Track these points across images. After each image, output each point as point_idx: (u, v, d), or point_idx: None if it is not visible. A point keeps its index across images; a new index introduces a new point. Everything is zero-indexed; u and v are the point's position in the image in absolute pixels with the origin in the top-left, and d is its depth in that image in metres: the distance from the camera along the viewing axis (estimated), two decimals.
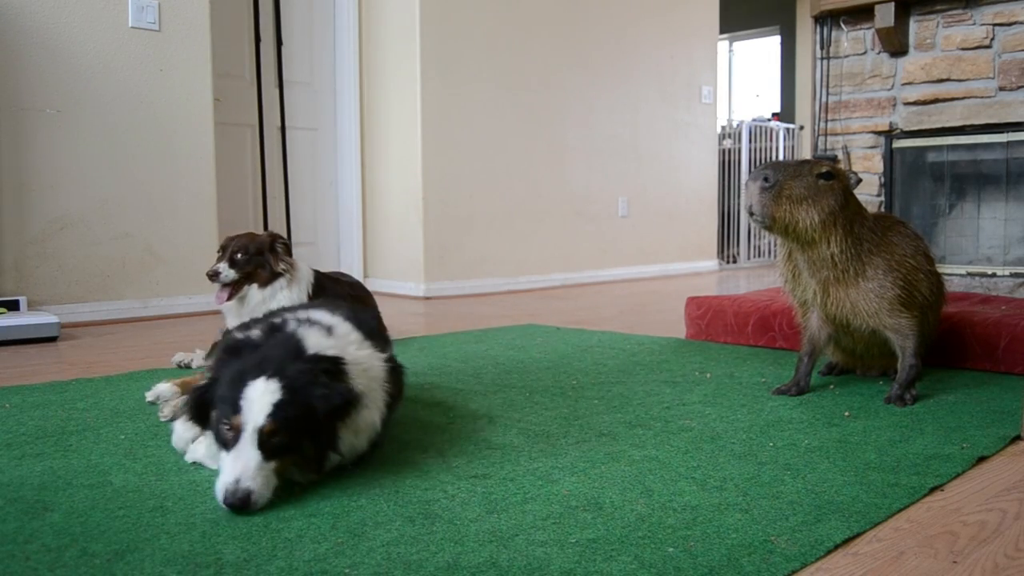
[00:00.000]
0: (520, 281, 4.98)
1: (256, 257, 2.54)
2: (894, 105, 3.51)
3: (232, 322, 2.59)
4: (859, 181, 1.91)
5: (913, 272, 1.92)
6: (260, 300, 2.55)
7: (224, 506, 1.22)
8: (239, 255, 2.52)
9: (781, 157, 7.22)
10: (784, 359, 2.49)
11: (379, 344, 1.59)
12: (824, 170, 1.83)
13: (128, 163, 3.62)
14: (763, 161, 7.05)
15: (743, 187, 1.85)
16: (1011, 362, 2.24)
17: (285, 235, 4.52)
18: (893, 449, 1.56)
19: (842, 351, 2.16)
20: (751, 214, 1.83)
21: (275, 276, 2.56)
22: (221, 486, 1.23)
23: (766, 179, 1.80)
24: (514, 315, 3.71)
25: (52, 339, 3.02)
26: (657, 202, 5.86)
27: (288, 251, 2.64)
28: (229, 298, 2.52)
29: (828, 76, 3.68)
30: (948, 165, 3.45)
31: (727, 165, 6.94)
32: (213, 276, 2.49)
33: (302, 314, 1.55)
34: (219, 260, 2.53)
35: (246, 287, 2.55)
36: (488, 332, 3.13)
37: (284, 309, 1.75)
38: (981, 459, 1.51)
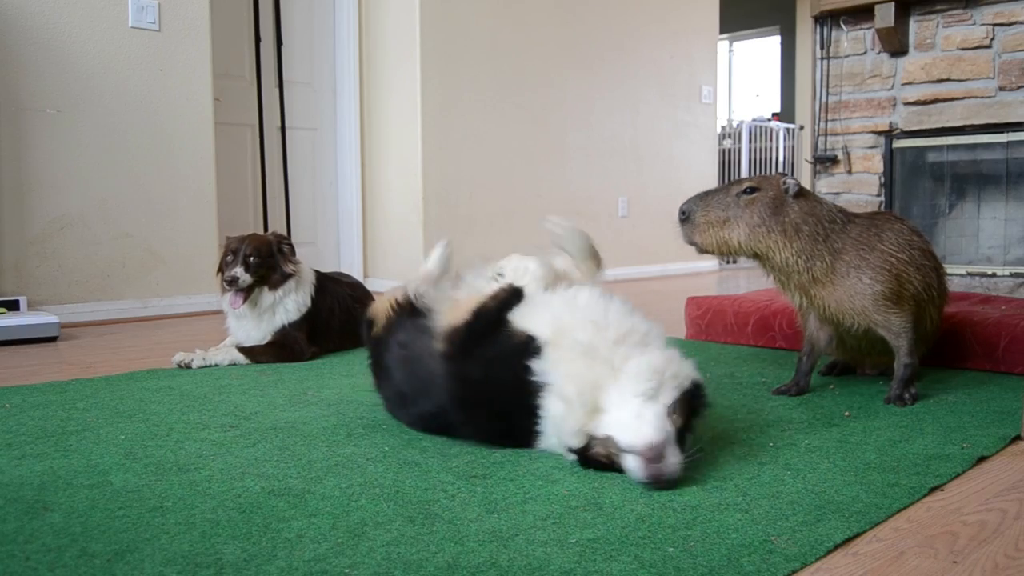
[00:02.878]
0: None
1: (268, 260, 2.55)
2: (894, 105, 3.51)
3: (236, 324, 2.60)
4: (796, 185, 1.92)
5: (900, 266, 1.90)
6: (271, 302, 2.57)
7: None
8: (252, 258, 2.52)
9: (781, 157, 7.22)
10: (784, 359, 2.49)
11: None
12: (746, 186, 1.91)
13: (128, 163, 3.62)
14: (763, 161, 7.05)
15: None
16: (1011, 362, 2.24)
17: (285, 235, 4.52)
18: (893, 449, 1.56)
19: (845, 348, 2.16)
20: (689, 243, 1.97)
21: (286, 278, 2.58)
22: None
23: (682, 212, 1.95)
24: None
25: (52, 339, 3.02)
26: (657, 202, 5.86)
27: (293, 251, 2.65)
28: (243, 301, 2.53)
29: (828, 76, 3.68)
30: (948, 165, 3.45)
31: (727, 165, 6.94)
32: (232, 282, 2.48)
33: None
34: (232, 264, 2.52)
35: (257, 290, 2.55)
36: None
37: None
38: (981, 459, 1.51)
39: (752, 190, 1.90)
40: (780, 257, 1.89)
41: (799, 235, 1.88)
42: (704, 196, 1.95)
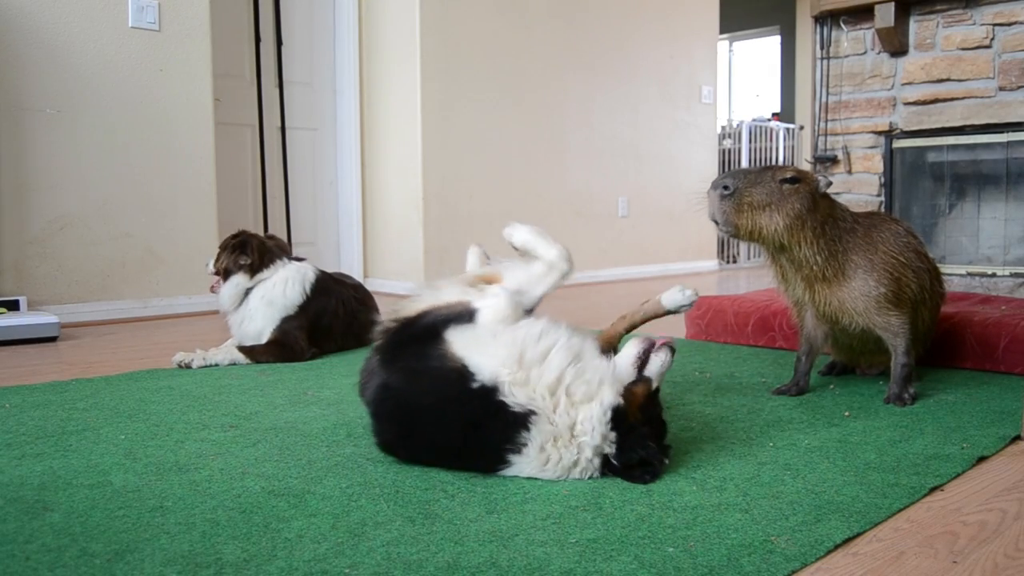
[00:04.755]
0: None
1: (223, 253, 2.71)
2: (894, 105, 3.50)
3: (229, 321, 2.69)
4: (829, 184, 1.90)
5: (900, 269, 1.91)
6: (228, 294, 2.68)
7: None
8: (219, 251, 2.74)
9: (781, 157, 7.22)
10: (784, 359, 2.49)
11: None
12: (789, 175, 1.82)
13: (128, 163, 3.62)
14: (763, 161, 7.05)
15: (705, 195, 1.86)
16: (1011, 362, 2.24)
17: (285, 235, 4.53)
18: (893, 449, 1.56)
19: (839, 348, 2.16)
20: (715, 223, 1.84)
21: (228, 273, 2.68)
22: None
23: (725, 187, 1.80)
24: None
25: (52, 339, 3.02)
26: (657, 202, 5.86)
27: (258, 250, 2.68)
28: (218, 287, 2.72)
29: (828, 76, 3.67)
30: (948, 165, 3.45)
31: (727, 165, 6.94)
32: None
33: None
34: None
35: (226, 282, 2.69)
36: None
37: None
38: (981, 459, 1.51)
39: (794, 180, 1.82)
40: (803, 253, 1.85)
41: (824, 234, 1.86)
42: (745, 175, 1.83)
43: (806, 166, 4.03)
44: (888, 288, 1.89)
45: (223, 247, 2.73)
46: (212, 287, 2.75)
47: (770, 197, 1.81)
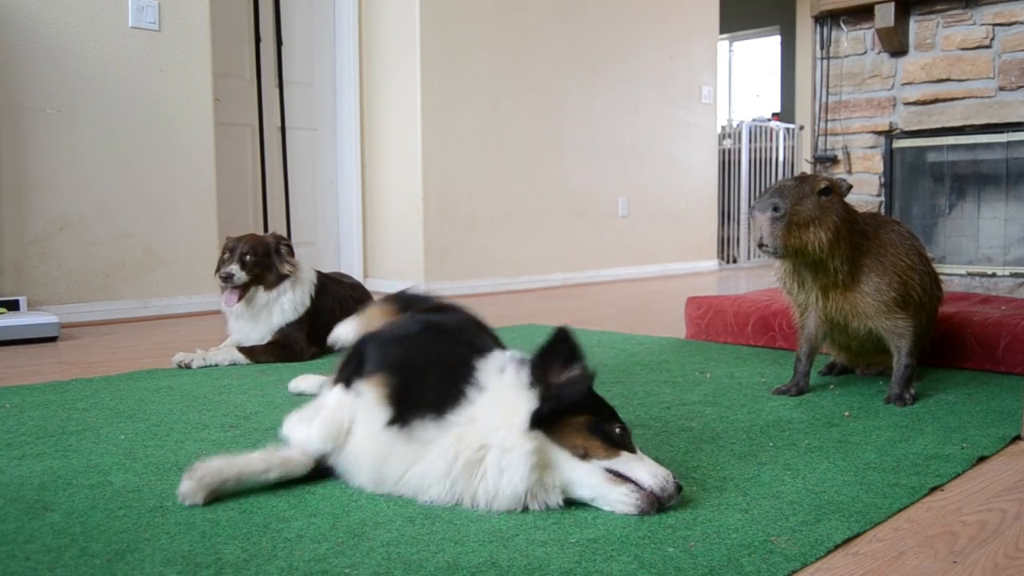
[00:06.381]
0: (520, 281, 4.98)
1: (264, 259, 2.57)
2: (894, 105, 3.50)
3: (235, 324, 2.61)
4: (849, 188, 1.89)
5: (907, 272, 1.91)
6: (266, 302, 2.59)
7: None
8: (248, 257, 2.54)
9: (781, 157, 7.22)
10: (784, 359, 2.49)
11: None
12: (823, 186, 1.80)
13: (128, 163, 3.62)
14: (763, 161, 7.05)
15: (748, 218, 1.82)
16: (1011, 362, 2.24)
17: (285, 235, 4.53)
18: (893, 449, 1.56)
19: (838, 348, 2.16)
20: (762, 246, 1.78)
21: (281, 278, 2.59)
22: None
23: (775, 208, 1.74)
24: (514, 315, 3.71)
25: (52, 339, 3.02)
26: (657, 202, 5.86)
27: (291, 252, 2.65)
28: (238, 300, 2.55)
29: (828, 76, 3.68)
30: (948, 165, 3.45)
31: (727, 165, 6.94)
32: (227, 278, 2.52)
33: None
34: (228, 262, 2.54)
35: (252, 289, 2.57)
36: None
37: None
38: (981, 459, 1.51)
39: (828, 191, 1.79)
40: (835, 263, 1.83)
41: (850, 244, 1.85)
42: (786, 191, 1.77)
43: (806, 167, 4.03)
44: (897, 292, 1.89)
45: (253, 253, 2.61)
46: (235, 299, 2.62)
47: (813, 212, 1.77)
